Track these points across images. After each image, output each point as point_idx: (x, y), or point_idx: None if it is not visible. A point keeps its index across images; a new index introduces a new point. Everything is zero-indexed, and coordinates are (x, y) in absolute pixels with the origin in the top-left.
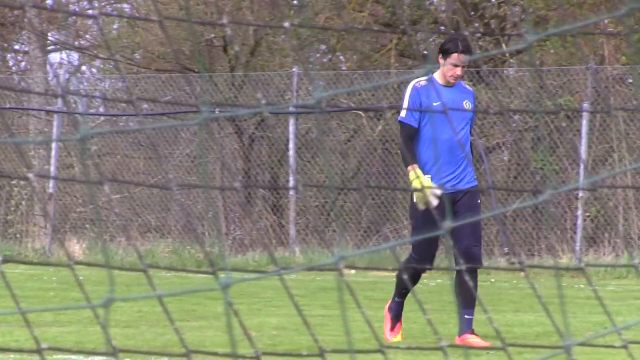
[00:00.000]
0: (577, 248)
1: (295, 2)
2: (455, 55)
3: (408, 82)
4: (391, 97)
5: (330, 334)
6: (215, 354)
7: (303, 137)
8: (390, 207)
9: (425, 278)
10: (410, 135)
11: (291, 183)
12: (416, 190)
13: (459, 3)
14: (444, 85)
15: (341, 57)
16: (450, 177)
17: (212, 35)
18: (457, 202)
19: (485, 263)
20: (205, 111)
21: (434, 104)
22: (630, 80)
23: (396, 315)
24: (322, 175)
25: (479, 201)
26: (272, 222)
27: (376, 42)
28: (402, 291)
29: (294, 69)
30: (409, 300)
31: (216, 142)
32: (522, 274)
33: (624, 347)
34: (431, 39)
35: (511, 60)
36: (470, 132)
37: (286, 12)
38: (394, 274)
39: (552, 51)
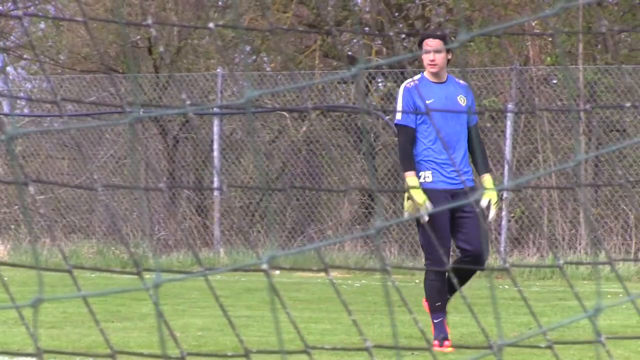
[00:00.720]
0: (502, 249)
1: (220, 3)
2: (425, 42)
3: (333, 83)
4: (315, 97)
5: (255, 335)
6: (140, 354)
7: (227, 137)
8: (315, 208)
9: (350, 279)
10: (410, 138)
11: (216, 184)
12: (409, 199)
13: (383, 4)
14: (435, 82)
15: (265, 58)
16: (452, 175)
17: (138, 37)
18: (456, 199)
19: (409, 264)
20: (135, 111)
21: (428, 101)
22: (555, 81)
23: (443, 336)
24: (246, 176)
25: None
26: (197, 222)
27: (300, 43)
28: (435, 306)
29: (218, 70)
30: (333, 300)
31: (141, 143)
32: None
33: (549, 347)
34: (355, 40)
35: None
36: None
37: (210, 14)
38: (319, 274)
39: (476, 52)
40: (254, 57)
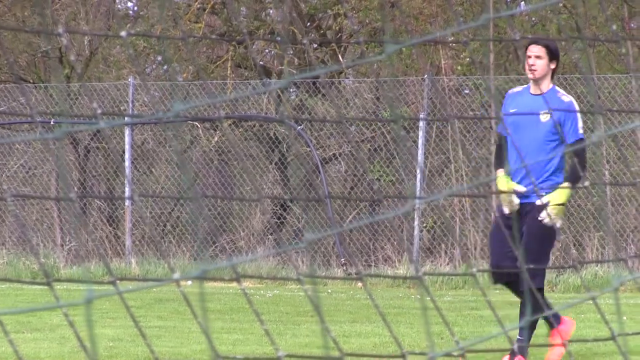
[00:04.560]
0: (415, 259)
1: (131, 13)
2: (528, 48)
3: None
4: (227, 107)
5: (166, 345)
6: None
7: (139, 147)
8: (227, 217)
9: (262, 289)
10: (501, 143)
11: (127, 193)
12: (500, 192)
13: (295, 14)
14: (532, 93)
15: (177, 67)
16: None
17: (49, 47)
18: (524, 215)
19: (322, 273)
20: (65, 122)
21: (510, 110)
22: (467, 91)
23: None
24: (158, 186)
25: (539, 218)
26: (108, 233)
27: (212, 53)
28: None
29: (129, 80)
30: (245, 310)
31: (52, 153)
32: (359, 284)
33: (462, 355)
34: (267, 50)
35: (348, 72)
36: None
37: (122, 23)
38: (231, 284)
39: (388, 62)
40: (166, 66)
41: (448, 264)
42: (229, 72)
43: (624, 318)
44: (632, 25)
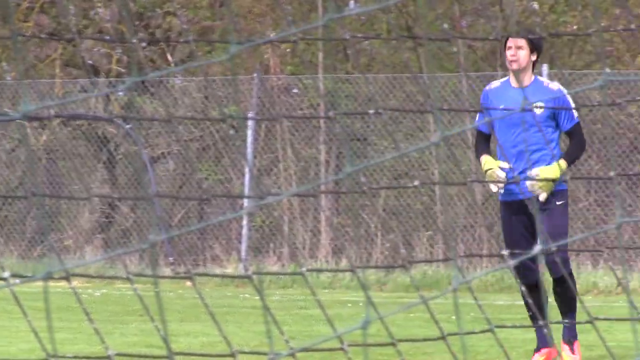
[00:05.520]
0: (243, 258)
1: None
2: (508, 40)
3: (72, 91)
4: (55, 106)
5: None
6: None
7: None
8: (55, 217)
9: (90, 288)
10: (481, 140)
11: None
12: (486, 170)
13: (124, 12)
14: (514, 87)
15: (6, 66)
16: (516, 186)
17: None
18: (527, 207)
19: (150, 273)
20: None
21: (500, 106)
22: (296, 90)
23: (540, 338)
24: None
25: (557, 203)
26: None
27: (41, 52)
28: (530, 315)
29: None
30: (74, 309)
31: None
32: (188, 283)
33: (292, 355)
34: (96, 49)
35: (177, 70)
36: (568, 130)
37: None
38: (59, 283)
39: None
40: None
41: (276, 262)
42: (57, 70)
43: (453, 317)
44: (463, 24)
